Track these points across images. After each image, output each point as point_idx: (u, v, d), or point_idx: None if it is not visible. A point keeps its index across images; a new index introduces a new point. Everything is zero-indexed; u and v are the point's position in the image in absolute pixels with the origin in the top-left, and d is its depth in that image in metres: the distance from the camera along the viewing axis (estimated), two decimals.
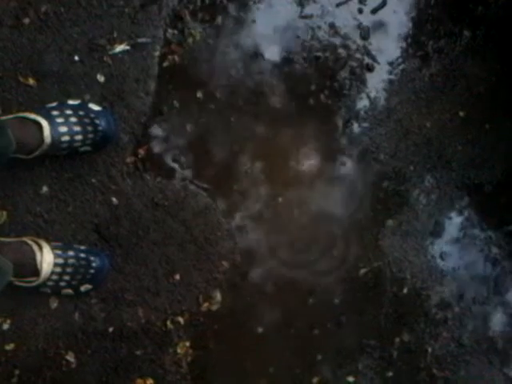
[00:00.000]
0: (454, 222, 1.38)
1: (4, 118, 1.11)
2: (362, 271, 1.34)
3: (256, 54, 1.29)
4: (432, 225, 1.36)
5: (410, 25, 1.34)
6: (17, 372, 1.22)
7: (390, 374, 1.35)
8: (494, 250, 1.39)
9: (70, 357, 1.23)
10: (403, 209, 1.35)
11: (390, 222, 1.35)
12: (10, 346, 1.21)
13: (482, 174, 1.37)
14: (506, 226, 1.40)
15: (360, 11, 1.31)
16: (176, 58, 1.25)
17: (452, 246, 1.38)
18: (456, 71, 1.35)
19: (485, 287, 1.39)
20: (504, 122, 1.37)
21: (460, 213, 1.38)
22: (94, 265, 1.19)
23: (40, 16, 1.20)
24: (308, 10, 1.30)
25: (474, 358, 1.39)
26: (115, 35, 1.22)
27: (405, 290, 1.36)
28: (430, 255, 1.37)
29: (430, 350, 1.36)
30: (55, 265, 1.15)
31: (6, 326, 1.21)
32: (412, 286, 1.36)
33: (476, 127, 1.36)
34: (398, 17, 1.33)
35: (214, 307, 1.29)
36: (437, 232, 1.37)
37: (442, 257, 1.37)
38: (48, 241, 1.17)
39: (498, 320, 1.40)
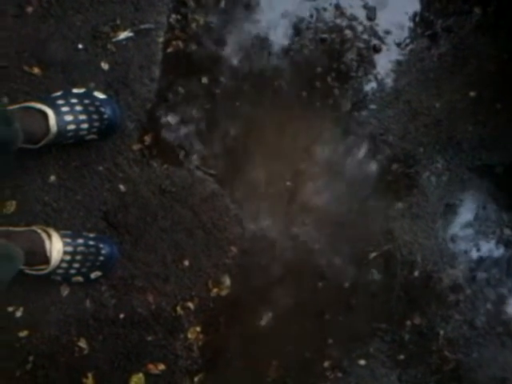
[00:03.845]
0: (465, 204, 1.36)
1: (10, 108, 1.12)
2: (372, 255, 1.33)
3: (261, 38, 1.27)
4: (442, 207, 1.35)
5: (418, 4, 1.31)
6: (31, 358, 1.24)
7: (402, 356, 1.35)
8: (507, 231, 1.37)
9: (82, 343, 1.25)
10: (413, 191, 1.34)
11: (399, 205, 1.34)
12: (23, 333, 1.23)
13: (493, 155, 1.35)
14: None
15: None
16: (180, 43, 1.24)
17: (463, 228, 1.36)
18: (466, 50, 1.32)
19: (497, 269, 1.37)
20: None
21: (471, 194, 1.36)
22: (103, 252, 1.20)
23: (43, 4, 1.20)
24: None
25: (486, 341, 1.37)
26: (118, 22, 1.21)
27: (416, 273, 1.35)
28: (441, 237, 1.35)
29: (441, 332, 1.36)
30: (65, 253, 1.16)
31: (18, 314, 1.23)
32: (423, 269, 1.35)
33: (487, 107, 1.34)
34: None
35: (224, 292, 1.29)
36: (447, 214, 1.35)
37: (452, 239, 1.36)
38: (57, 229, 1.18)
39: (511, 302, 1.38)
